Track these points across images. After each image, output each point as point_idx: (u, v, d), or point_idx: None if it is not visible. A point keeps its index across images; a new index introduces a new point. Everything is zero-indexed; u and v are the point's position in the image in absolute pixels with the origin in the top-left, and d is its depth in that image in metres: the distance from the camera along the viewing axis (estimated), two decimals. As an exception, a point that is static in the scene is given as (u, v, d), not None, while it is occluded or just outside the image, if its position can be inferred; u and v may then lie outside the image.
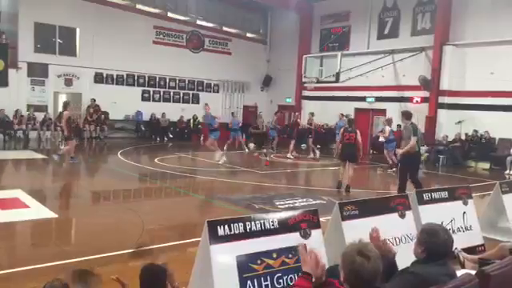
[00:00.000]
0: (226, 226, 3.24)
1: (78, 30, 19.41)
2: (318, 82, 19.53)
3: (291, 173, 12.93)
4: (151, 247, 5.08)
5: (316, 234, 3.71)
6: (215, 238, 3.17)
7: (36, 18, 18.18)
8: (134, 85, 21.17)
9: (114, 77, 20.51)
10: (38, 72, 18.47)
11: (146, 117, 20.90)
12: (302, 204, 8.10)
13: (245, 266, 3.19)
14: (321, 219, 3.83)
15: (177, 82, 22.55)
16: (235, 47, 23.99)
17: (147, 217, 6.85)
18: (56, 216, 6.55)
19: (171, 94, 22.44)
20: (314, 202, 8.20)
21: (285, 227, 3.54)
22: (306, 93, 22.50)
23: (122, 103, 19.97)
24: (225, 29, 23.97)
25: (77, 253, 5.13)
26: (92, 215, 7.16)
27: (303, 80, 20.60)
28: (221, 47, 23.77)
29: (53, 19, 18.54)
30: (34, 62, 18.32)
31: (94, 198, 8.87)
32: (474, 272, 2.89)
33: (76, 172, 11.83)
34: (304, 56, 20.47)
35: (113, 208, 7.94)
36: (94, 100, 19.26)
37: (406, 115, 8.50)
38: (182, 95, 22.79)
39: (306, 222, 3.69)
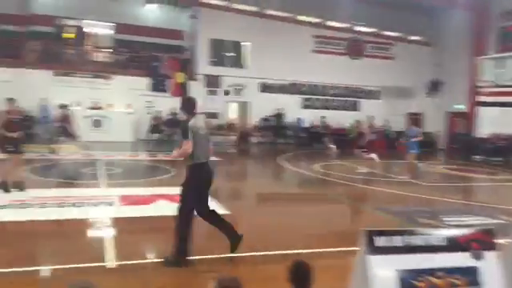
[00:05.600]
0: (385, 238, 3.13)
1: (246, 44, 21.11)
2: (497, 86, 17.37)
3: (463, 187, 11.76)
4: (308, 251, 5.20)
5: (491, 256, 3.31)
6: (373, 248, 3.08)
7: (212, 35, 20.39)
8: (295, 93, 22.02)
9: (278, 86, 21.65)
10: (212, 83, 20.63)
11: (306, 124, 21.51)
12: (474, 222, 7.29)
13: (405, 281, 3.03)
14: (498, 241, 3.40)
15: (336, 89, 22.63)
16: (398, 51, 22.98)
17: (305, 221, 7.03)
18: (228, 213, 7.21)
19: (331, 101, 22.63)
20: (489, 222, 7.30)
21: (453, 245, 3.24)
22: (481, 98, 20.17)
23: (284, 111, 20.97)
24: (386, 33, 23.15)
25: (241, 248, 5.56)
26: (255, 215, 7.68)
27: (478, 84, 18.55)
28: (382, 52, 23.05)
29: (225, 35, 20.56)
30: (210, 74, 20.52)
31: (258, 199, 9.52)
32: None
33: (242, 174, 12.82)
34: (478, 58, 18.43)
35: (274, 210, 8.37)
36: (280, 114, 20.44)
37: (185, 105, 5.10)
38: (341, 102, 22.78)
39: (479, 242, 3.32)
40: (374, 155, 13.39)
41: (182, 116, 4.97)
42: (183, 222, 4.82)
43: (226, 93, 20.79)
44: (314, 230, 6.60)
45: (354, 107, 22.85)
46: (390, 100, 23.04)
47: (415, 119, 22.82)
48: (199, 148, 4.85)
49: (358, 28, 22.81)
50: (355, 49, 22.73)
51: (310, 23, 21.92)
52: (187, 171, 4.93)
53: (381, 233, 3.14)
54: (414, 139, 12.24)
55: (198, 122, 5.02)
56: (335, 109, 22.52)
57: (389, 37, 23.19)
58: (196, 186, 4.91)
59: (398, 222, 7.17)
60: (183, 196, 4.91)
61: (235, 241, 5.07)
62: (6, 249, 5.11)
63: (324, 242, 6.01)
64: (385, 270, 3.07)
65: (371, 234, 3.12)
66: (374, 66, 22.48)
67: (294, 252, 5.09)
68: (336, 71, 21.86)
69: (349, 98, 22.91)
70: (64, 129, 12.83)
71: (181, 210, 4.85)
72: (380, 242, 3.10)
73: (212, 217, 5.07)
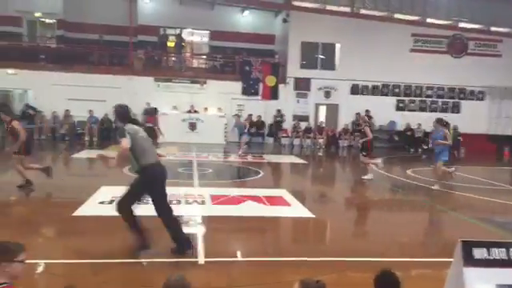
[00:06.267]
0: (485, 249, 2.89)
1: (337, 46, 20.80)
2: None
3: None
4: (398, 260, 4.99)
5: None
6: (470, 260, 2.87)
7: (302, 38, 20.41)
8: (388, 94, 21.21)
9: (370, 87, 21.01)
10: (302, 86, 20.65)
11: (399, 126, 20.58)
12: None
13: (507, 298, 2.78)
14: None
15: (434, 90, 21.39)
16: (506, 48, 21.00)
17: (397, 229, 6.74)
18: (313, 216, 7.18)
19: (428, 102, 21.43)
20: None
21: None
22: None
23: (375, 113, 20.24)
24: (493, 29, 21.26)
25: (328, 252, 5.52)
26: (343, 220, 7.53)
27: None
28: (488, 49, 21.25)
29: (316, 37, 20.45)
30: (300, 77, 20.56)
31: (346, 203, 9.34)
32: None
33: (330, 178, 12.65)
34: None
35: (364, 215, 8.15)
36: (369, 116, 19.77)
37: (119, 112, 5.04)
38: (439, 104, 21.45)
39: None
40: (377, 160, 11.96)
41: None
42: (128, 216, 4.86)
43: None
44: (405, 239, 6.30)
45: (453, 109, 21.35)
46: (495, 101, 21.19)
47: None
48: (144, 150, 4.77)
49: (461, 24, 21.27)
50: (457, 46, 21.27)
51: (408, 21, 20.92)
52: (139, 174, 4.82)
53: (480, 244, 2.93)
54: (441, 143, 10.09)
55: (134, 127, 4.90)
56: (433, 111, 21.21)
57: (497, 33, 21.27)
58: (149, 188, 4.81)
59: (501, 234, 6.56)
60: (129, 191, 4.86)
61: (181, 250, 4.87)
62: (107, 241, 5.61)
63: (415, 251, 5.72)
64: (483, 284, 2.87)
65: (470, 245, 2.91)
66: (478, 65, 20.80)
67: (382, 260, 4.91)
68: (435, 71, 20.63)
69: (448, 99, 21.45)
70: (151, 130, 13.58)
71: (120, 203, 4.86)
72: (479, 253, 2.90)
73: (170, 219, 4.92)
